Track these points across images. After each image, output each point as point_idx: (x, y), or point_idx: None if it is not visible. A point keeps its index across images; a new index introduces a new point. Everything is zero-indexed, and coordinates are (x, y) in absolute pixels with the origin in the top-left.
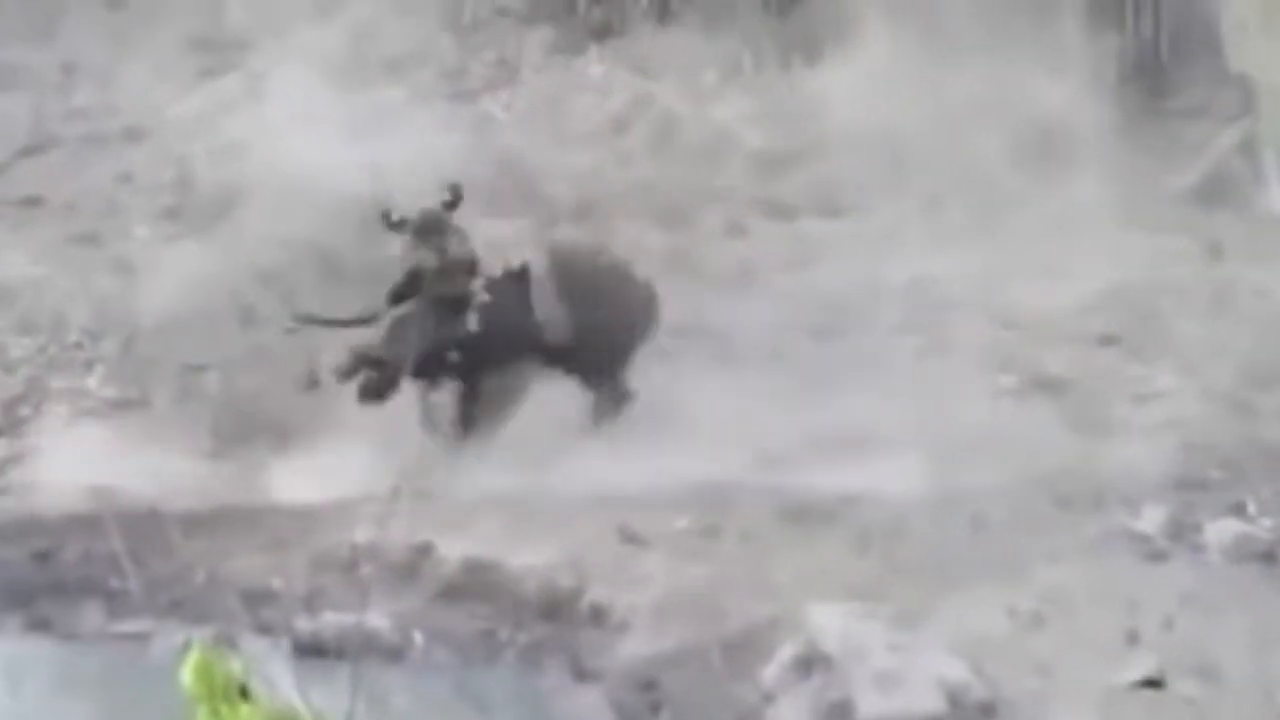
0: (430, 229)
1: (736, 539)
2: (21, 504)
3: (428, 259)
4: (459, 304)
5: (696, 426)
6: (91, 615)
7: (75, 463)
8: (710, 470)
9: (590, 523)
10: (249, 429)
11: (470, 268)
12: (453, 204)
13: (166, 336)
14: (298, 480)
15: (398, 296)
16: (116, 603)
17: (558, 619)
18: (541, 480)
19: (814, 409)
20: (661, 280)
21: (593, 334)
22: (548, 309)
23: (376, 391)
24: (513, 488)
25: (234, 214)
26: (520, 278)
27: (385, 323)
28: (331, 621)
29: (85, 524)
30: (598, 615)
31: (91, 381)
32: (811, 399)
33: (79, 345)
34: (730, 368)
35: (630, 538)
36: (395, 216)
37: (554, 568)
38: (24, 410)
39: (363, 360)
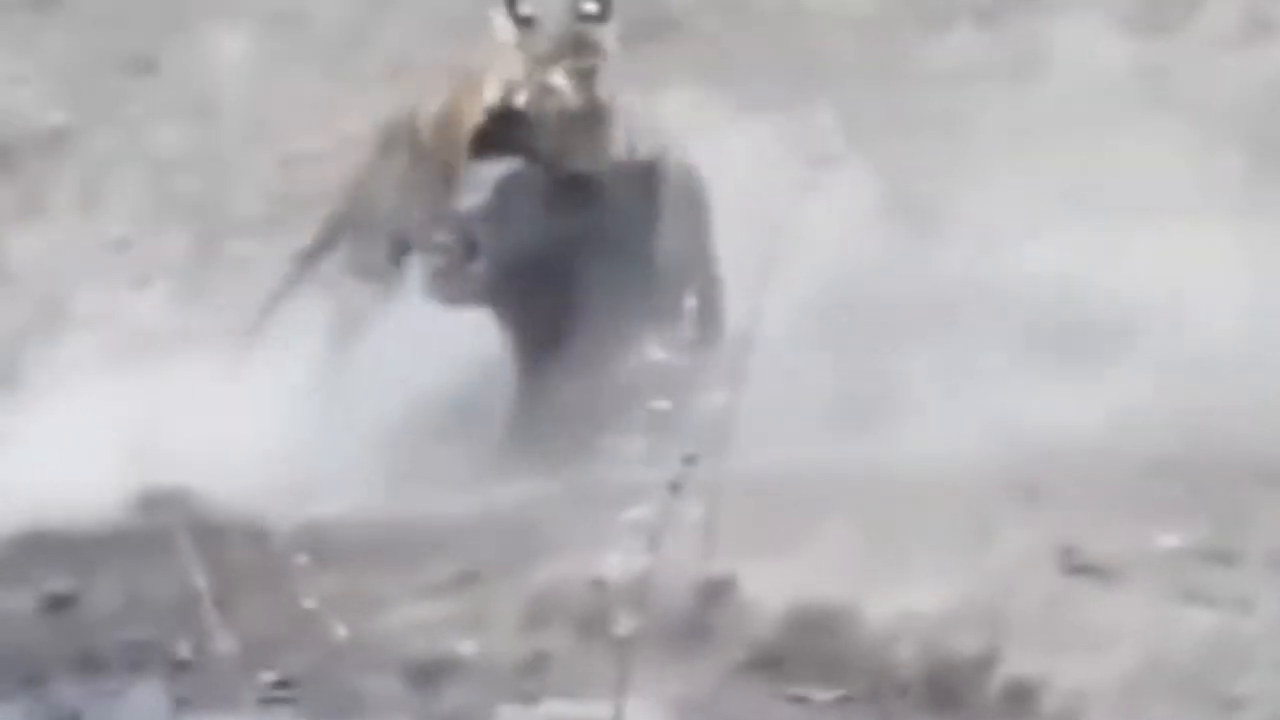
0: (573, 48)
1: (1262, 566)
2: (24, 512)
3: (562, 94)
4: (588, 183)
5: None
6: (144, 705)
7: (116, 440)
8: (1212, 433)
9: (1005, 534)
10: None
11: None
12: (601, 15)
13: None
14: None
15: (494, 144)
16: (187, 683)
17: (956, 705)
18: (913, 451)
19: None
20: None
21: None
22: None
23: (447, 290)
24: (868, 466)
25: None
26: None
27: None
28: (560, 715)
29: (134, 547)
30: (1023, 699)
31: (144, 303)
32: None
33: (122, 244)
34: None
35: (1077, 564)
36: (525, 8)
37: (946, 617)
38: (30, 350)
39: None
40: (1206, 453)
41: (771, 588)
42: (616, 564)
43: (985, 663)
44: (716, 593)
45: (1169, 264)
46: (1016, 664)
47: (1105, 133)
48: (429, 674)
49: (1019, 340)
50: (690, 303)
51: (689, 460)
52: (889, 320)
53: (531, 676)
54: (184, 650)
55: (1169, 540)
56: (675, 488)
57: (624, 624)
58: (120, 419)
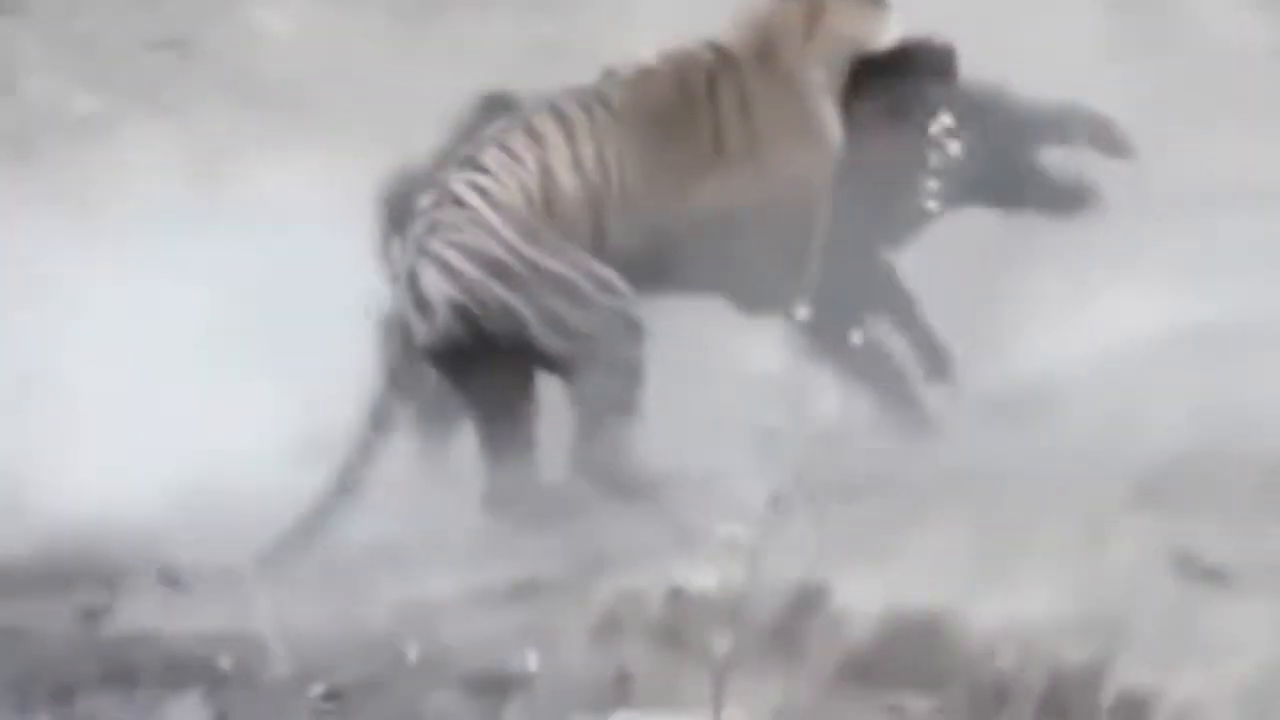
0: None
1: None
2: (41, 511)
3: None
4: None
5: None
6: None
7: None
8: None
9: (1119, 537)
10: None
11: None
12: None
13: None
14: None
15: None
16: (230, 696)
17: (1065, 718)
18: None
19: None
20: None
21: None
22: None
23: None
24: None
25: None
26: None
27: None
28: None
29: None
30: (1136, 711)
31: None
32: None
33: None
34: None
35: (1195, 570)
36: None
37: (1054, 624)
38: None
39: None
40: None
41: (868, 593)
42: (712, 578)
43: (1096, 673)
44: (805, 602)
45: None
46: (1130, 674)
47: (1240, 113)
48: (487, 686)
49: (1138, 336)
50: (802, 311)
51: (793, 477)
52: (998, 316)
53: (611, 691)
54: (225, 662)
55: None
56: (777, 502)
57: (720, 639)
58: (164, 421)
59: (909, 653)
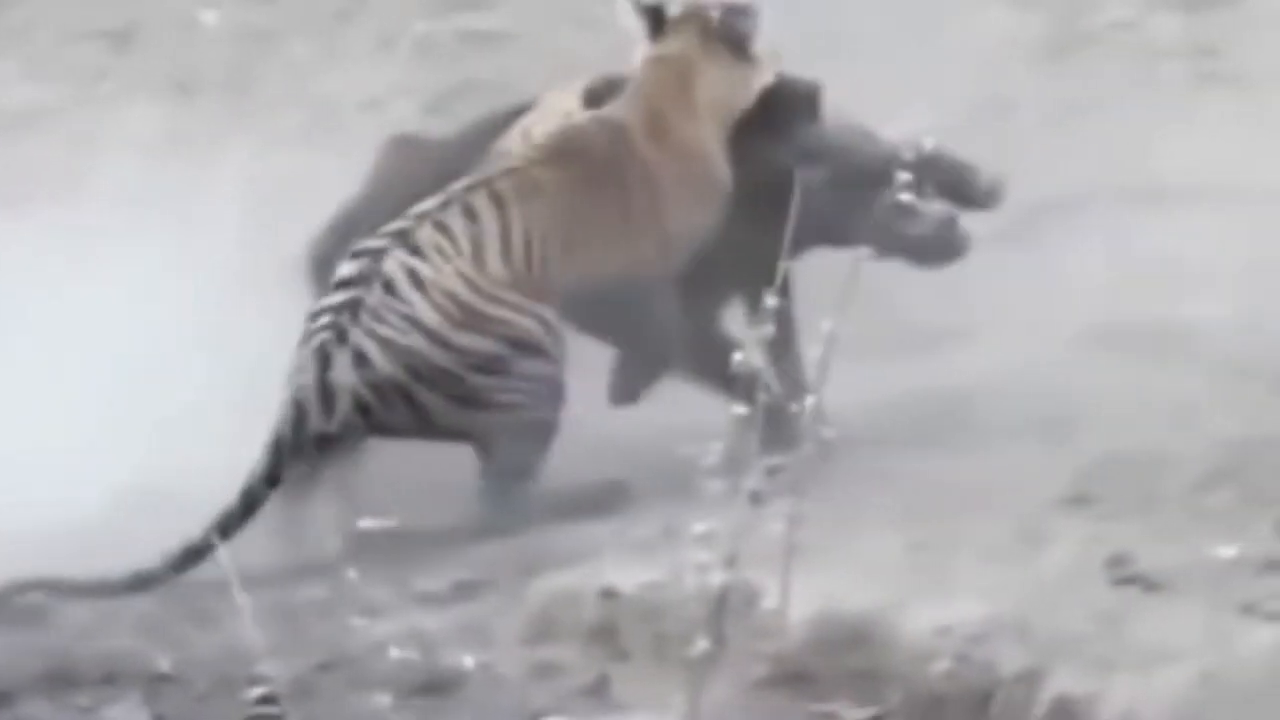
0: None
1: None
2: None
3: None
4: None
5: None
6: None
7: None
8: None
9: (1052, 542)
10: None
11: None
12: None
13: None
14: None
15: None
16: (167, 699)
17: None
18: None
19: None
20: None
21: None
22: None
23: None
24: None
25: None
26: None
27: None
28: None
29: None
30: (1071, 718)
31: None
32: None
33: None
34: None
35: (1129, 575)
36: None
37: (988, 630)
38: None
39: None
40: (1266, 459)
41: (799, 598)
42: (691, 579)
43: (1031, 680)
44: (739, 602)
45: (1225, 254)
46: (1064, 681)
47: (1151, 111)
48: (426, 689)
49: (1072, 340)
50: (771, 303)
51: (772, 470)
52: (935, 322)
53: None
54: (163, 664)
55: (1226, 551)
56: (756, 498)
57: (698, 644)
58: (105, 427)
59: (841, 659)
